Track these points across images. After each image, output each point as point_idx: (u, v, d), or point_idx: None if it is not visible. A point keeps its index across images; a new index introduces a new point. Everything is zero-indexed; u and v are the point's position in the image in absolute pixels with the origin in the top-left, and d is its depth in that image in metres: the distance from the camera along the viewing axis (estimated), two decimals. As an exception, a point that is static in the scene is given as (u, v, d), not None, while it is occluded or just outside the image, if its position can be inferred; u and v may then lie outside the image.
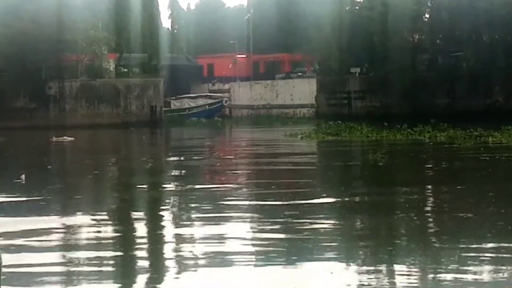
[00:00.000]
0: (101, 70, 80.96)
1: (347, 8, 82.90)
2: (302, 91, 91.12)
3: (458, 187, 21.70)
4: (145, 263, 12.79)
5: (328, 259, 12.17)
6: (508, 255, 12.09)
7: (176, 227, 16.27)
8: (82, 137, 55.18)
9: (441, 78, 71.45)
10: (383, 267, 11.64)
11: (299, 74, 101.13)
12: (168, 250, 13.72)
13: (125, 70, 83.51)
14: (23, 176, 24.70)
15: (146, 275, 11.67)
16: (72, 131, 55.53)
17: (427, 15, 78.70)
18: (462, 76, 71.02)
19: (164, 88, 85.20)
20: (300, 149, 40.32)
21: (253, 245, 13.75)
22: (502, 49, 69.30)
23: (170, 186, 24.07)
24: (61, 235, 15.31)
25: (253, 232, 15.21)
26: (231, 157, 36.26)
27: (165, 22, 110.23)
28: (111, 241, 14.67)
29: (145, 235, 15.55)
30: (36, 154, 40.47)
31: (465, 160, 30.25)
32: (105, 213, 18.36)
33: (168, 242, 14.47)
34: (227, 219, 16.46)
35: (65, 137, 49.65)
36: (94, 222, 16.60)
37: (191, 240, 14.33)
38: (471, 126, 43.20)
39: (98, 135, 61.55)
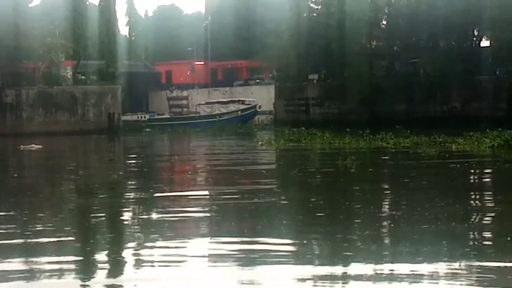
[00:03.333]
0: (58, 78, 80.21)
1: (305, 15, 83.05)
2: (261, 97, 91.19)
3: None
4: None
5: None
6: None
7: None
8: (47, 145, 53.67)
9: (399, 85, 72.08)
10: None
11: (257, 80, 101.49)
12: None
13: (83, 77, 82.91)
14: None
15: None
16: (30, 139, 54.61)
17: (384, 22, 79.34)
18: (420, 83, 71.68)
19: (122, 95, 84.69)
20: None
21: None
22: (459, 55, 70.23)
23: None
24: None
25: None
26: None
27: (123, 29, 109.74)
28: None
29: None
30: (18, 163, 39.54)
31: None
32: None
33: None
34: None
35: (33, 145, 48.81)
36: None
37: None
38: (431, 132, 43.28)
39: (61, 142, 60.41)
